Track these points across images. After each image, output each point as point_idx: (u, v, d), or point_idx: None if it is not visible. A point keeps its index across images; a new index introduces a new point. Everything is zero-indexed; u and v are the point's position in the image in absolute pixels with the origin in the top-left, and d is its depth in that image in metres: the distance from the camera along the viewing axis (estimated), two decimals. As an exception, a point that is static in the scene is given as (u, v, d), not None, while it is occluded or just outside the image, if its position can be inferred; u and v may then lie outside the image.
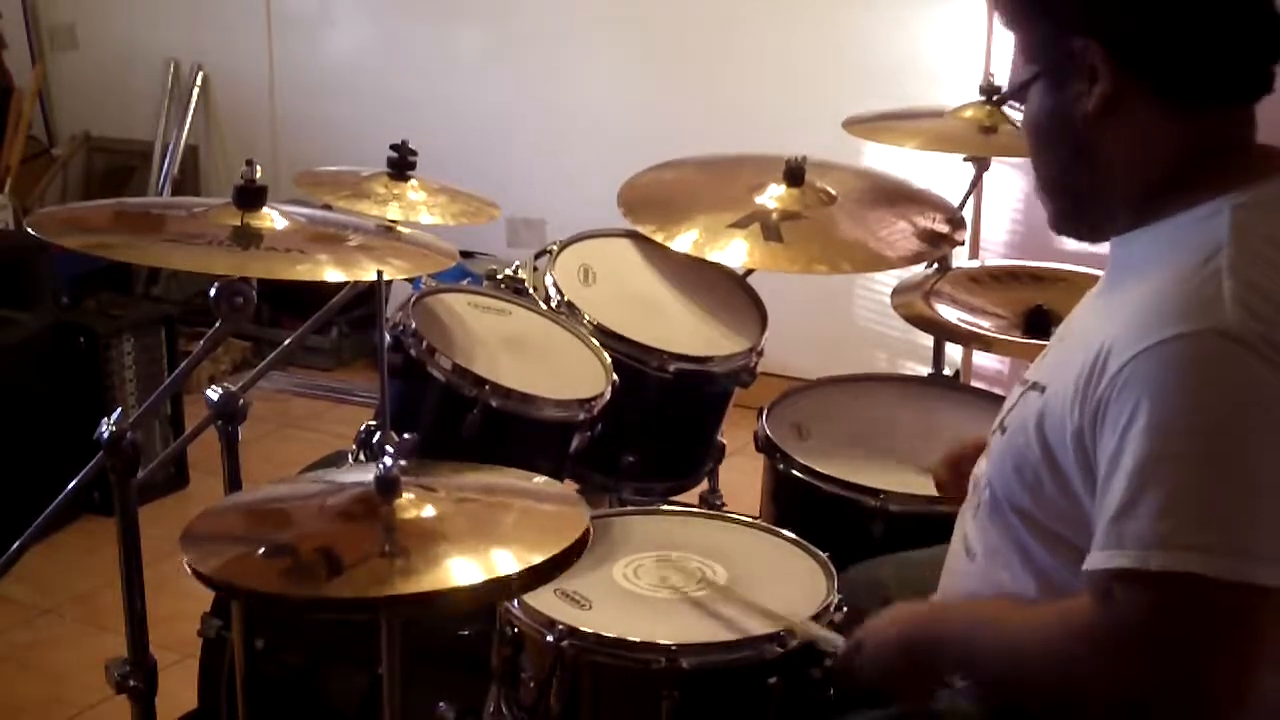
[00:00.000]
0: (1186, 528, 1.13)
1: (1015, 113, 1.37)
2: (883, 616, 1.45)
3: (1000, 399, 2.14)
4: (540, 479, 1.61)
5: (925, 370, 2.62)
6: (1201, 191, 1.26)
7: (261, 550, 1.36)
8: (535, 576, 1.35)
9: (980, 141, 2.48)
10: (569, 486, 2.12)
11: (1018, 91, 1.34)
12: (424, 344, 1.93)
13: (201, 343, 1.69)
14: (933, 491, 1.87)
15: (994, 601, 1.34)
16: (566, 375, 2.03)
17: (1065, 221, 1.39)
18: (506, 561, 1.34)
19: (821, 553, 1.74)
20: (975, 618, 1.35)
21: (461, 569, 1.32)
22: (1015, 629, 1.29)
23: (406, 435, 1.43)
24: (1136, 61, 1.25)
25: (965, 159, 2.62)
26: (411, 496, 1.38)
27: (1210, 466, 1.14)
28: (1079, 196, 1.36)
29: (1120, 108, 1.26)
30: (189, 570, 1.29)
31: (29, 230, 1.59)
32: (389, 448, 1.39)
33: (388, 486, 1.37)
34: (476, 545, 1.37)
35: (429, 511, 1.38)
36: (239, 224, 1.64)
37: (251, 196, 1.65)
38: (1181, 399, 1.15)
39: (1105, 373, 1.20)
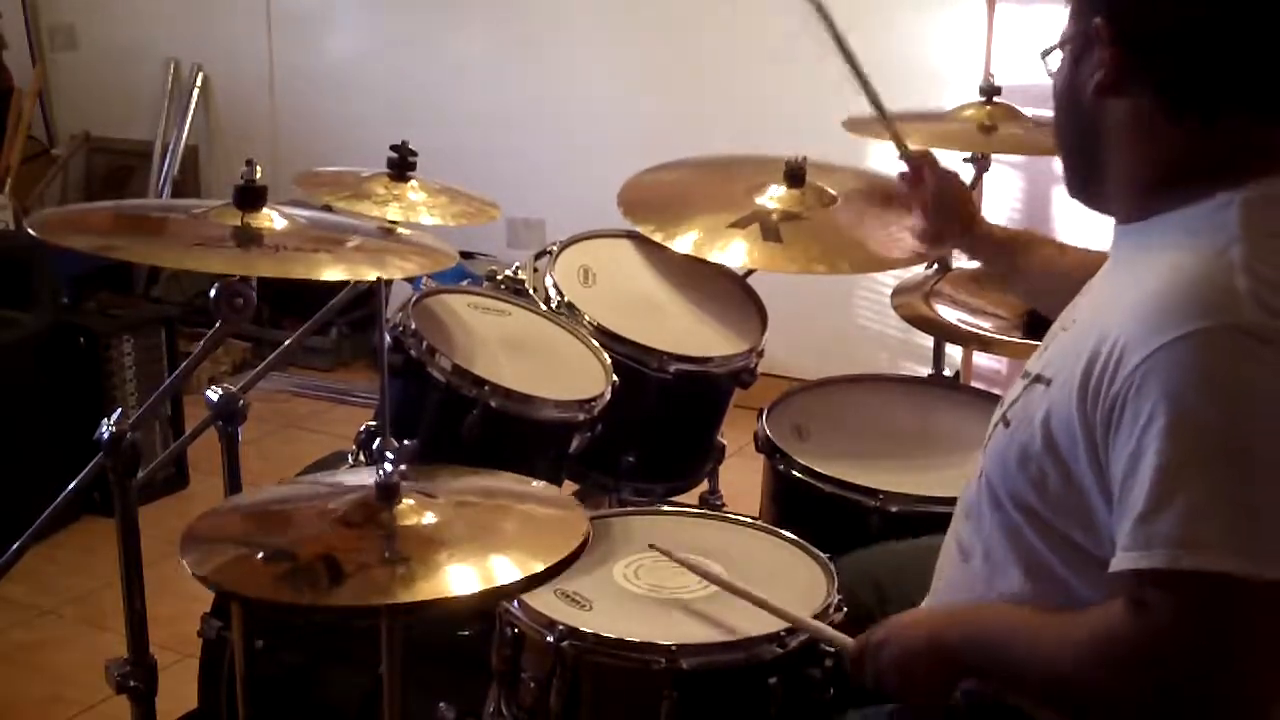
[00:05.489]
0: (1216, 527, 1.12)
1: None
2: (904, 618, 1.43)
3: (1000, 399, 2.15)
4: (539, 483, 1.61)
5: (925, 370, 2.62)
6: (1211, 186, 1.25)
7: (261, 555, 1.36)
8: (535, 582, 1.35)
9: (980, 140, 2.48)
10: (569, 487, 2.13)
11: (1049, 51, 1.37)
12: (424, 344, 1.93)
13: (201, 343, 1.68)
14: (932, 492, 1.87)
15: (1023, 609, 1.31)
16: (566, 376, 2.03)
17: (1073, 188, 1.41)
18: (507, 569, 1.34)
19: (821, 554, 1.74)
20: (1008, 624, 1.31)
21: (462, 577, 1.32)
22: (1050, 639, 1.26)
23: (406, 442, 1.43)
24: (1141, 54, 1.25)
25: (965, 159, 2.62)
26: (411, 502, 1.38)
27: (1234, 465, 1.13)
28: (1081, 169, 1.38)
29: (1123, 97, 1.27)
30: (190, 573, 1.29)
31: (29, 230, 1.59)
32: (389, 454, 1.39)
33: (388, 492, 1.37)
34: (477, 552, 1.37)
35: (429, 518, 1.38)
36: (239, 224, 1.64)
37: (251, 197, 1.65)
38: (1201, 397, 1.14)
39: (1120, 369, 1.19)
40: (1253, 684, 1.14)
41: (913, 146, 2.07)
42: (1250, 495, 1.13)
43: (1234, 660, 1.14)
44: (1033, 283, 1.90)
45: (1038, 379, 1.35)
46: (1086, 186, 1.39)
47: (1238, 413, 1.14)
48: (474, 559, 1.35)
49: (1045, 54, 1.39)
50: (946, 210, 2.01)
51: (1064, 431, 1.26)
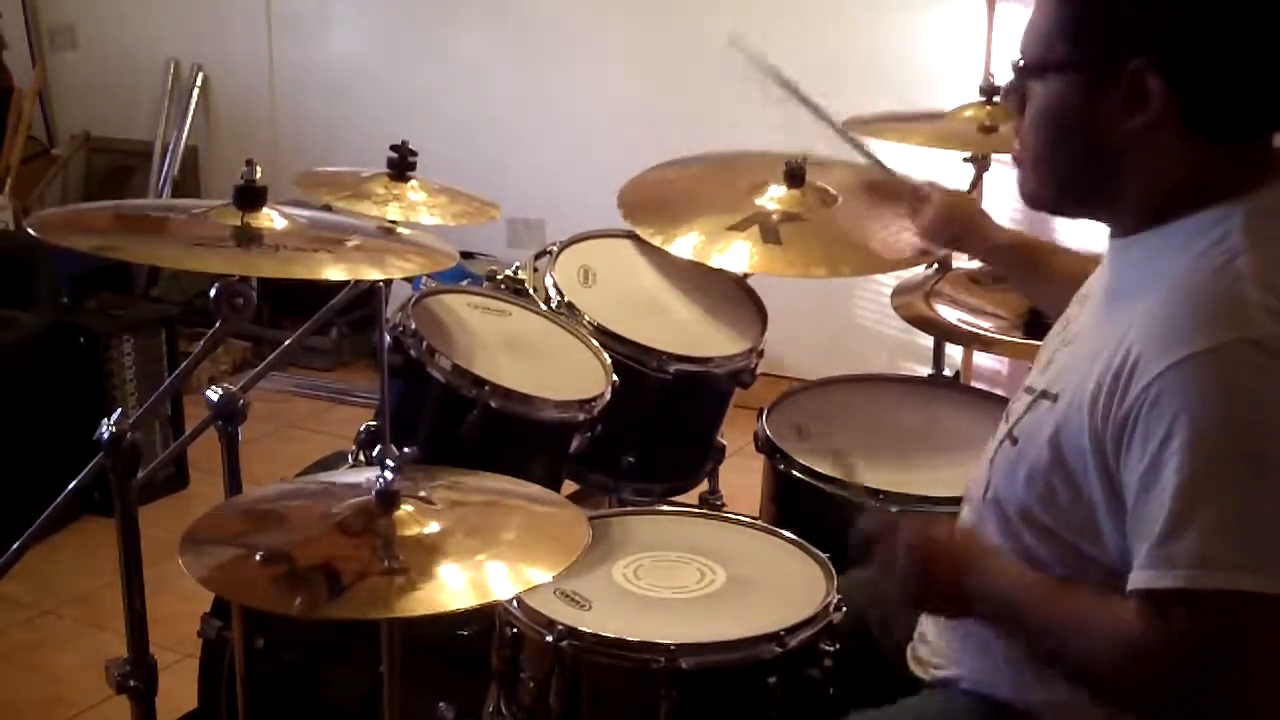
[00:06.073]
0: (1233, 546, 1.13)
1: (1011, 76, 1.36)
2: (941, 527, 1.43)
3: (1000, 399, 2.15)
4: (538, 489, 1.61)
5: (925, 370, 2.62)
6: (1211, 197, 1.26)
7: (259, 557, 1.35)
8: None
9: (980, 141, 2.48)
10: (569, 487, 2.13)
11: (1040, 70, 1.31)
12: (424, 344, 1.93)
13: (201, 343, 1.68)
14: (933, 491, 1.87)
15: (1043, 576, 1.31)
16: (566, 376, 2.03)
17: (1042, 202, 1.38)
18: (505, 580, 1.34)
19: (821, 553, 1.73)
20: (1027, 584, 1.31)
21: (460, 587, 1.31)
22: (1068, 616, 1.27)
23: (406, 449, 1.43)
24: (1192, 99, 1.23)
25: (965, 159, 2.62)
26: (411, 509, 1.38)
27: (1250, 482, 1.14)
28: (1077, 189, 1.35)
29: (1155, 131, 1.25)
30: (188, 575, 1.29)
31: (29, 230, 1.59)
32: (389, 461, 1.39)
33: (387, 500, 1.37)
34: (476, 561, 1.36)
35: (430, 527, 1.37)
36: (239, 224, 1.64)
37: (251, 197, 1.65)
38: (1218, 414, 1.15)
39: (1133, 385, 1.19)
40: (1264, 692, 1.15)
41: (915, 178, 2.10)
42: (1264, 512, 1.14)
43: (1247, 669, 1.15)
44: (1055, 294, 1.89)
45: (1043, 394, 1.35)
46: (1068, 203, 1.37)
47: (1252, 430, 1.15)
48: (473, 569, 1.35)
49: (1022, 72, 1.33)
50: (954, 227, 2.02)
51: (1073, 448, 1.26)
